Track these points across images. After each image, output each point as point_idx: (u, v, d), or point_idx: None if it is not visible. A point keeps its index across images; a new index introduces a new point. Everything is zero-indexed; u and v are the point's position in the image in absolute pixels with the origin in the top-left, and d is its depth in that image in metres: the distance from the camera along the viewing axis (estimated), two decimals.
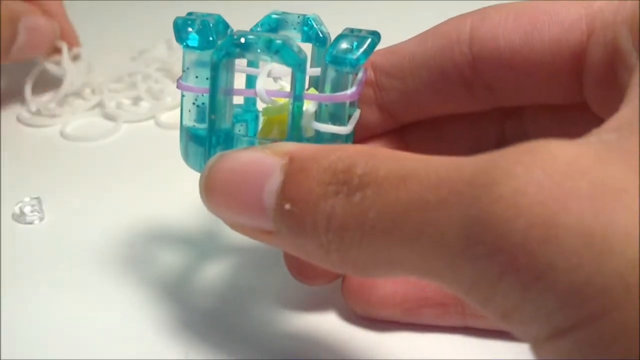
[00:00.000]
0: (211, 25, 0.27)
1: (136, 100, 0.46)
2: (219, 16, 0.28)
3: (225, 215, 0.24)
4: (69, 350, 0.28)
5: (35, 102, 0.46)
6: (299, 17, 0.29)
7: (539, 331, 0.18)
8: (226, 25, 0.28)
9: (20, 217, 0.36)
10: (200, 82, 0.27)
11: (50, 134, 0.44)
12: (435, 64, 0.28)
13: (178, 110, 0.42)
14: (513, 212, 0.18)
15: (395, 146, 0.30)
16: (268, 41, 0.26)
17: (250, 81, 0.30)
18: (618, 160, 0.18)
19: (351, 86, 0.26)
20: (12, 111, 0.46)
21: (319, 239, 0.21)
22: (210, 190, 0.24)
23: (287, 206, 0.22)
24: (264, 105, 0.28)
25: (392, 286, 0.28)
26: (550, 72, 0.26)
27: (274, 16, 0.29)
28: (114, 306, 0.30)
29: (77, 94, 0.47)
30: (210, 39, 0.27)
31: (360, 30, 0.27)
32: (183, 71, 0.28)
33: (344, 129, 0.27)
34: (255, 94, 0.28)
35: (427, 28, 0.29)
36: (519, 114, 0.29)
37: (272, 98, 0.28)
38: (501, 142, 0.29)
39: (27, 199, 0.36)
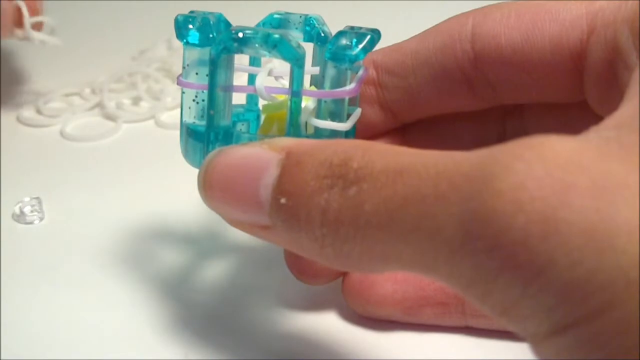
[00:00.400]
0: (212, 22, 0.27)
1: (136, 100, 0.46)
2: (221, 14, 0.28)
3: (223, 211, 0.24)
4: (68, 350, 0.28)
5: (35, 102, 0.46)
6: (301, 17, 0.29)
7: (539, 328, 0.18)
8: (228, 24, 0.28)
9: (20, 217, 0.36)
10: (200, 79, 0.27)
11: (50, 134, 0.44)
12: (437, 61, 0.28)
13: (178, 110, 0.42)
14: (513, 207, 0.18)
15: (397, 144, 0.29)
16: (266, 36, 0.26)
17: (252, 81, 0.30)
18: (618, 156, 0.18)
19: (350, 83, 0.26)
20: (12, 111, 0.46)
21: (313, 233, 0.21)
22: (208, 185, 0.24)
23: (283, 200, 0.22)
24: (264, 103, 0.28)
25: (392, 285, 0.28)
26: (550, 70, 0.26)
27: (276, 16, 0.29)
28: (114, 306, 0.30)
29: (77, 94, 0.47)
30: (211, 36, 0.27)
31: (360, 28, 0.27)
32: (183, 68, 0.28)
33: (343, 126, 0.27)
34: (255, 90, 0.28)
35: (428, 27, 0.29)
36: (520, 112, 0.30)
37: (272, 95, 0.28)
38: (502, 140, 0.29)
39: (27, 199, 0.36)
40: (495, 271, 0.18)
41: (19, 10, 0.44)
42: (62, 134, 0.44)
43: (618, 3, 0.25)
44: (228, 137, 0.28)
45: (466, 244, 0.18)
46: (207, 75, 0.27)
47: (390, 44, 0.29)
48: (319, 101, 0.27)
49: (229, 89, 0.27)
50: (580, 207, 0.17)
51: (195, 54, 0.27)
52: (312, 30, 0.29)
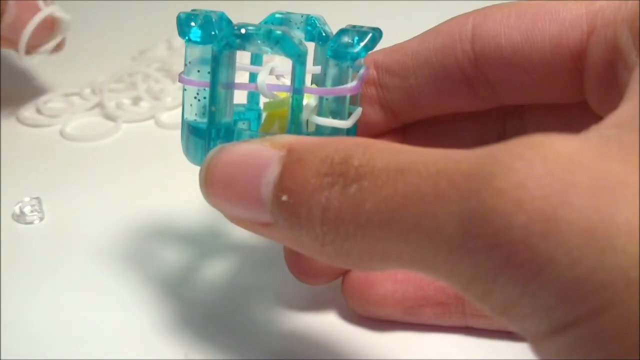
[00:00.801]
0: (214, 20, 0.27)
1: (136, 100, 0.46)
2: (223, 13, 0.28)
3: (224, 208, 0.24)
4: (69, 350, 0.28)
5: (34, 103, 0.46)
6: (302, 16, 0.29)
7: (539, 327, 0.18)
8: (229, 23, 0.28)
9: (20, 217, 0.36)
10: (202, 76, 0.27)
11: (50, 134, 0.44)
12: (437, 62, 0.28)
13: (178, 110, 0.42)
14: (513, 206, 0.17)
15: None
16: (268, 32, 0.26)
17: (254, 79, 0.30)
18: (618, 156, 0.18)
19: (352, 81, 0.27)
20: (12, 111, 0.46)
21: (314, 230, 0.21)
22: (209, 183, 0.24)
23: (284, 197, 0.22)
24: (266, 101, 0.28)
25: (393, 285, 0.28)
26: (550, 70, 0.26)
27: (277, 16, 0.29)
28: (114, 306, 0.30)
29: (77, 94, 0.47)
30: (213, 33, 0.27)
31: (362, 26, 0.27)
32: (185, 65, 0.28)
33: (345, 123, 0.27)
34: (257, 88, 0.28)
35: (429, 28, 0.29)
36: (520, 112, 0.30)
37: (273, 92, 0.28)
38: (502, 140, 0.29)
39: (27, 199, 0.36)
40: (495, 270, 0.18)
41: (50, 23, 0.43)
42: (62, 134, 0.44)
43: (618, 3, 0.25)
44: (229, 134, 0.28)
45: (466, 242, 0.18)
46: (208, 72, 0.27)
47: (391, 44, 0.29)
48: (321, 99, 0.27)
49: (231, 86, 0.27)
50: (580, 206, 0.17)
51: (197, 51, 0.27)
52: (314, 30, 0.29)
